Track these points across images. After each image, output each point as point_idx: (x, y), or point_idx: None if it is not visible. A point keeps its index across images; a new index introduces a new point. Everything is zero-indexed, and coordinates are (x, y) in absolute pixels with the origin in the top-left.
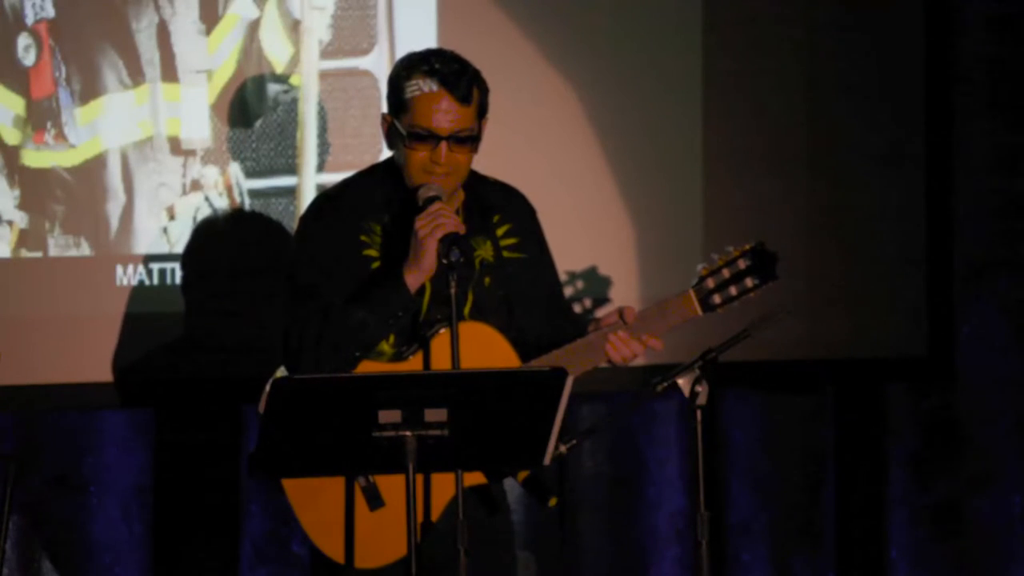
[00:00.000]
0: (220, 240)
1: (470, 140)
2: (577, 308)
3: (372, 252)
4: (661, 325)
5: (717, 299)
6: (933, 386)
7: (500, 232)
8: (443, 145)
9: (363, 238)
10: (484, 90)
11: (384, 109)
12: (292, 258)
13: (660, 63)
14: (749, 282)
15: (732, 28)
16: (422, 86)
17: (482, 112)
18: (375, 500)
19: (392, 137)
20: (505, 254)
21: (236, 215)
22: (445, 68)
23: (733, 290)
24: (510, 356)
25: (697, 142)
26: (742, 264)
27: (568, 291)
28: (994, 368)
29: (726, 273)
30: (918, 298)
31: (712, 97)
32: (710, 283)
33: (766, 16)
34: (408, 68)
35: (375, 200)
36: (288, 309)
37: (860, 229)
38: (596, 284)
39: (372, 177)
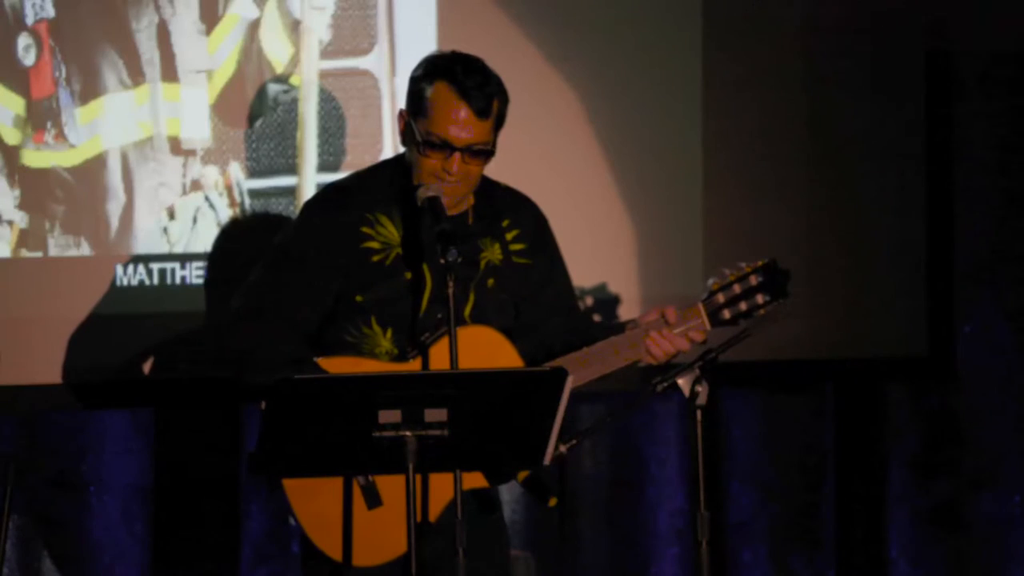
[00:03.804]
0: (220, 240)
1: (484, 153)
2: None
3: (374, 244)
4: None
5: (727, 314)
6: (933, 386)
7: (509, 236)
8: (456, 156)
9: (365, 230)
10: (504, 101)
11: (386, 106)
12: (285, 232)
13: (660, 63)
14: (760, 298)
15: (732, 28)
16: (442, 94)
17: (500, 124)
18: (373, 499)
19: (407, 136)
20: (514, 259)
21: (236, 215)
22: (468, 80)
23: (743, 306)
24: (514, 360)
25: (697, 142)
26: (754, 280)
27: None
28: (994, 368)
29: (737, 288)
30: (918, 298)
31: (712, 97)
32: (720, 298)
33: (766, 16)
34: (432, 73)
35: (384, 193)
36: (257, 275)
37: (860, 229)
38: (596, 284)
39: (383, 171)
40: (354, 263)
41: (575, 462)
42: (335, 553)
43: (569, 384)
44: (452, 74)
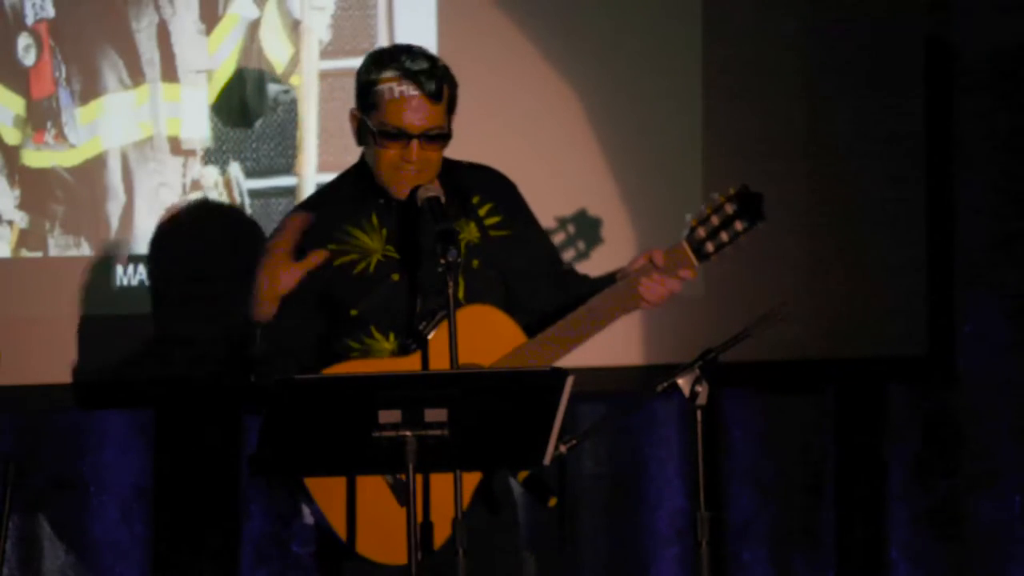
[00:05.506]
0: (220, 240)
1: (441, 138)
2: None
3: (352, 257)
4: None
5: (710, 247)
6: (933, 386)
7: (482, 212)
8: (414, 143)
9: (333, 247)
10: (454, 85)
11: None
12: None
13: (660, 63)
14: (739, 225)
15: (732, 27)
16: (392, 85)
17: (452, 108)
18: (405, 496)
19: (362, 134)
20: (491, 233)
21: (236, 215)
22: (415, 66)
23: (724, 236)
24: (516, 333)
25: (697, 142)
26: (729, 209)
27: None
28: (994, 368)
29: (715, 220)
30: (918, 298)
31: (712, 97)
32: (701, 232)
33: (766, 15)
34: (377, 65)
35: (349, 206)
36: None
37: (860, 229)
38: None
39: (344, 181)
40: (335, 283)
41: (575, 462)
42: (367, 550)
43: (569, 384)
44: (399, 63)
